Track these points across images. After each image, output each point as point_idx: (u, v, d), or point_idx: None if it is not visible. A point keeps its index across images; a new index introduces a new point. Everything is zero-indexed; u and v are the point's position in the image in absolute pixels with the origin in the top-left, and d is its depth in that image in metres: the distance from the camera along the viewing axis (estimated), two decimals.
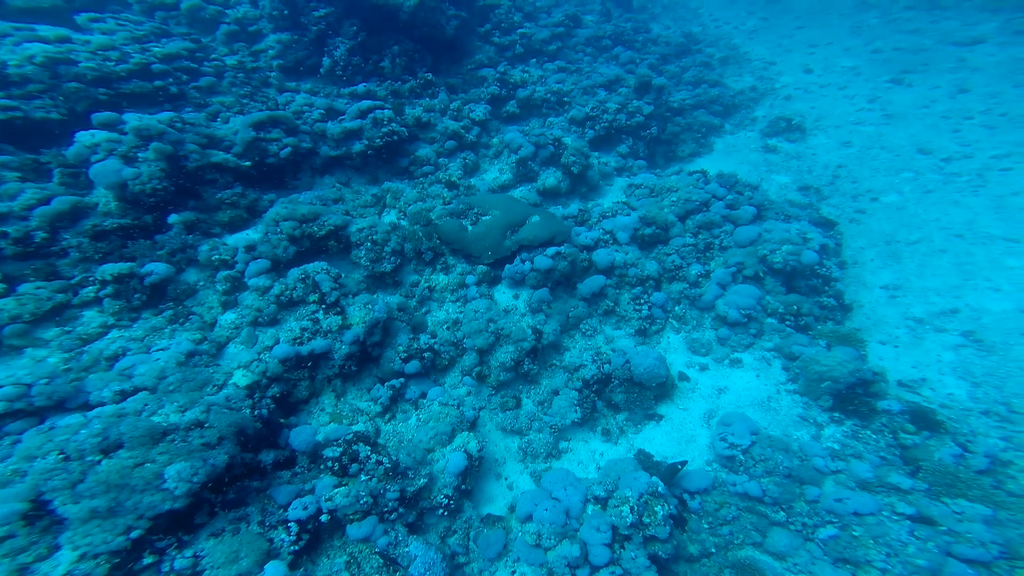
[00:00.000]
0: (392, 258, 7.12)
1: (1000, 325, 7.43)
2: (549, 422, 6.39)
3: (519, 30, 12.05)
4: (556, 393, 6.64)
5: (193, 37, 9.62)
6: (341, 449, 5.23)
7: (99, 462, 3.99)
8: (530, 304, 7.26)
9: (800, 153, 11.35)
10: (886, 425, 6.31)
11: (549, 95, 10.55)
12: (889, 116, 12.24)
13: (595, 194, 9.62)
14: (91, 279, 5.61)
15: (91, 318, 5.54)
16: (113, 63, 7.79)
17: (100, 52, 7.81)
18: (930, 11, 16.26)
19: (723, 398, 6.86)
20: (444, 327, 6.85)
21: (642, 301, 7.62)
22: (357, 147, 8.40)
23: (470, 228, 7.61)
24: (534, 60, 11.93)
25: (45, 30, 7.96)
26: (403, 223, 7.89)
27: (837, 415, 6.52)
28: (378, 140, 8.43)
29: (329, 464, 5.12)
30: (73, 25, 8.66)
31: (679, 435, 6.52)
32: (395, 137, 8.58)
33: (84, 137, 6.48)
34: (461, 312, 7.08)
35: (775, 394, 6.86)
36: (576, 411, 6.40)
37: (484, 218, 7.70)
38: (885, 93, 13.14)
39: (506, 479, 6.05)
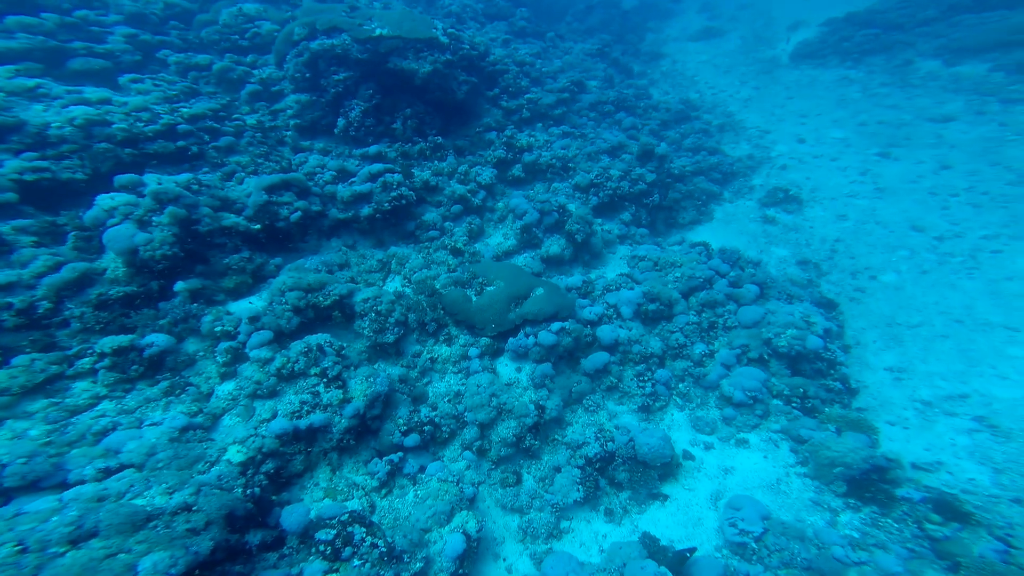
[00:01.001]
0: (396, 329, 6.91)
1: (1013, 412, 7.21)
2: (551, 500, 6.06)
3: (526, 95, 12.32)
4: (558, 470, 6.34)
5: (219, 98, 9.75)
6: (335, 531, 4.86)
7: (63, 554, 3.60)
8: (533, 378, 7.03)
9: (798, 225, 11.38)
10: (908, 514, 5.95)
11: (554, 160, 10.65)
12: (880, 190, 12.36)
13: (598, 262, 9.54)
14: (89, 351, 5.35)
15: (82, 389, 5.26)
16: (143, 124, 7.85)
17: (133, 113, 7.91)
18: (903, 88, 16.60)
19: (730, 479, 6.53)
20: (445, 400, 6.61)
21: (646, 378, 7.41)
22: (365, 211, 8.35)
23: (474, 299, 7.45)
24: (540, 124, 12.14)
25: (91, 92, 8.10)
26: (407, 291, 7.73)
27: (853, 501, 6.17)
28: (386, 204, 8.39)
29: (321, 548, 4.74)
30: (118, 86, 8.84)
31: (685, 517, 6.16)
32: (403, 201, 8.55)
33: (104, 201, 6.40)
34: (463, 384, 6.85)
35: (784, 476, 6.54)
36: (579, 490, 6.09)
37: (488, 288, 7.55)
38: (875, 166, 13.33)
39: (504, 560, 5.66)
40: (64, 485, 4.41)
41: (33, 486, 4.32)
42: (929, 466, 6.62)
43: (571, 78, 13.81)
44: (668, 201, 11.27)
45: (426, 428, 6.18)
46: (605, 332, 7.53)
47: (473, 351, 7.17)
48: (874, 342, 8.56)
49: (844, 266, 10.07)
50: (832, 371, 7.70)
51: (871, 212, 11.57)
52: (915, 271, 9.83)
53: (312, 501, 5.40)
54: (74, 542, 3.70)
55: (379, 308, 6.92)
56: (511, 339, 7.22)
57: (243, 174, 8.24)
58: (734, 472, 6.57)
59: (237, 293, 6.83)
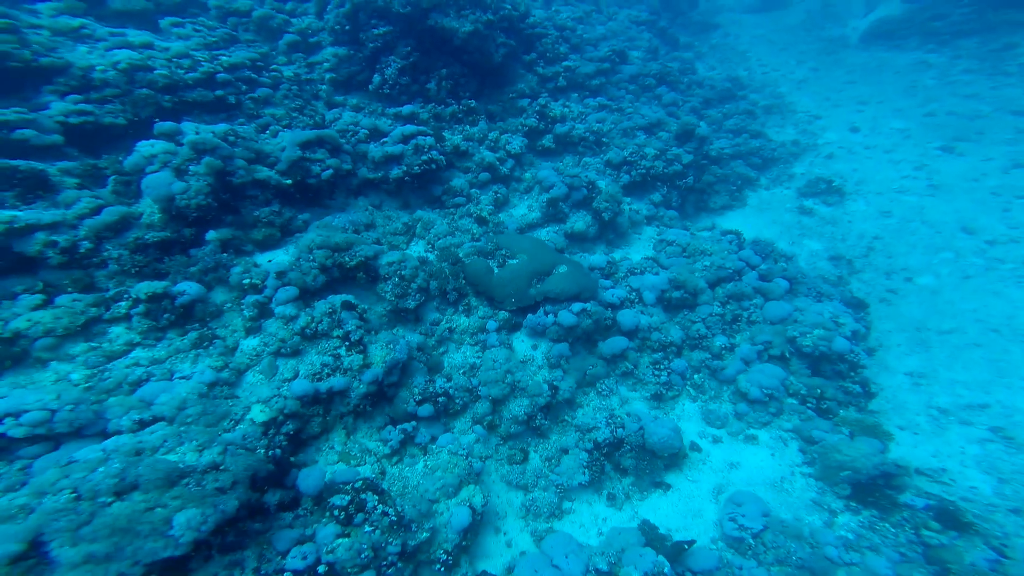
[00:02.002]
0: (417, 295, 6.83)
1: None
2: (555, 481, 6.04)
3: (564, 62, 11.55)
4: (565, 452, 6.28)
5: (257, 47, 9.48)
6: (349, 497, 4.97)
7: (110, 503, 3.80)
8: (548, 357, 6.90)
9: (836, 218, 10.63)
10: (907, 520, 5.79)
11: (588, 134, 10.08)
12: (935, 187, 11.36)
13: (622, 241, 9.15)
14: (125, 295, 5.45)
15: (118, 335, 5.37)
16: (184, 71, 7.68)
17: (174, 60, 7.74)
18: (992, 76, 14.95)
19: (734, 473, 6.40)
20: (460, 372, 6.56)
21: (662, 367, 7.19)
22: (395, 172, 8.12)
23: (496, 270, 7.26)
24: (575, 94, 11.43)
25: (134, 35, 7.96)
26: (431, 256, 7.59)
27: (854, 504, 6.01)
28: (416, 168, 8.14)
29: (335, 512, 4.87)
30: (159, 29, 8.64)
31: (686, 508, 6.10)
32: (433, 165, 8.28)
33: (144, 147, 6.36)
34: (478, 357, 6.77)
35: (789, 475, 6.38)
36: (584, 473, 6.04)
37: (511, 261, 7.34)
38: (934, 161, 12.20)
39: (505, 534, 5.72)
40: (104, 434, 4.56)
41: (78, 433, 4.48)
42: (932, 472, 6.41)
43: (613, 47, 12.86)
44: (701, 184, 10.64)
45: (440, 399, 6.17)
46: (626, 317, 7.27)
47: (491, 324, 7.04)
48: (898, 345, 8.10)
49: (879, 265, 9.42)
50: (853, 373, 7.33)
51: (919, 210, 10.70)
52: (957, 275, 9.13)
53: (327, 464, 5.50)
54: (119, 493, 3.86)
55: (403, 273, 6.82)
56: (530, 315, 7.05)
57: (278, 127, 8.09)
58: (739, 467, 6.42)
59: (265, 245, 6.82)
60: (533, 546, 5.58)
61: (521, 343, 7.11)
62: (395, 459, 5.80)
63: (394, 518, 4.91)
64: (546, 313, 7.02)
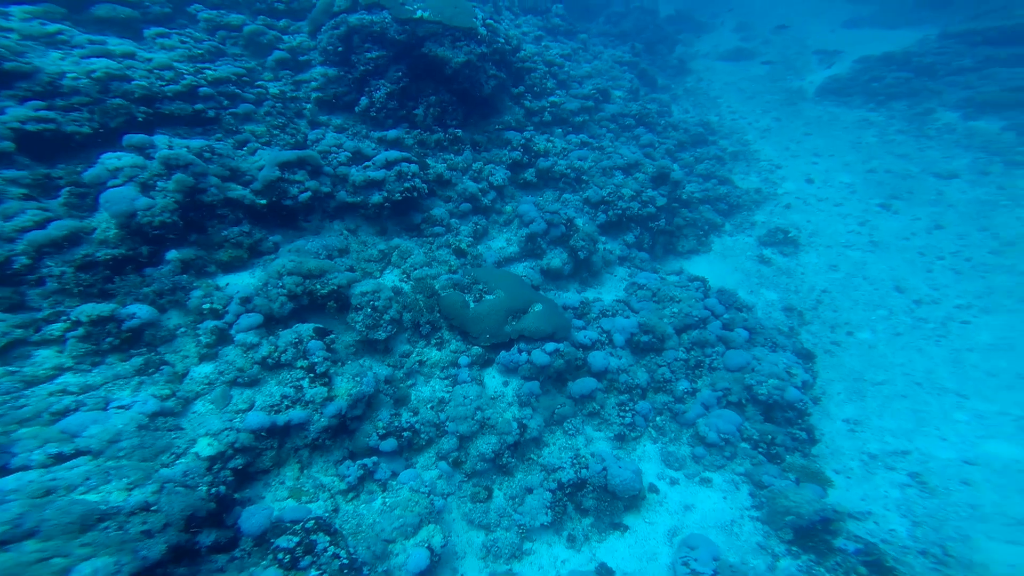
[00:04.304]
0: (389, 327, 6.47)
1: (943, 471, 7.19)
2: (518, 521, 5.77)
3: (550, 97, 11.46)
4: (530, 491, 6.02)
5: (244, 61, 8.91)
6: (298, 539, 4.56)
7: None
8: (519, 395, 6.67)
9: (791, 269, 10.93)
10: (840, 565, 5.83)
11: (569, 170, 9.98)
12: (875, 243, 11.89)
13: (595, 281, 9.06)
14: (63, 317, 4.83)
15: (45, 358, 4.71)
16: (164, 83, 7.08)
17: (156, 71, 7.12)
18: (917, 138, 15.74)
19: (688, 516, 6.31)
20: (428, 406, 6.23)
21: (627, 408, 7.08)
22: (376, 198, 7.73)
23: (472, 305, 7.00)
24: (559, 129, 11.34)
25: (116, 43, 7.31)
26: (406, 287, 7.24)
27: (795, 548, 6.01)
28: (398, 194, 7.80)
29: (279, 556, 4.43)
30: (142, 38, 8.01)
31: (642, 550, 5.94)
32: (415, 193, 7.94)
33: (109, 160, 5.78)
34: (448, 392, 6.46)
35: (739, 519, 6.34)
36: (547, 514, 5.80)
37: (488, 297, 7.10)
38: (874, 217, 12.79)
39: None
40: (4, 470, 3.86)
41: None
42: (860, 515, 6.57)
43: (597, 85, 12.90)
44: (671, 226, 10.73)
45: (404, 434, 5.81)
46: (597, 358, 7.14)
47: (464, 359, 6.75)
48: (838, 394, 8.34)
49: (826, 318, 9.70)
50: (800, 420, 7.45)
51: (861, 266, 11.14)
52: (889, 332, 9.53)
53: (275, 500, 5.02)
54: (4, 543, 3.26)
55: (376, 303, 6.45)
56: (504, 352, 6.82)
57: (256, 144, 7.57)
58: (694, 510, 6.34)
59: (230, 267, 6.29)
60: None
61: (492, 379, 6.86)
62: (351, 495, 5.38)
63: (345, 560, 4.52)
64: (520, 351, 6.81)
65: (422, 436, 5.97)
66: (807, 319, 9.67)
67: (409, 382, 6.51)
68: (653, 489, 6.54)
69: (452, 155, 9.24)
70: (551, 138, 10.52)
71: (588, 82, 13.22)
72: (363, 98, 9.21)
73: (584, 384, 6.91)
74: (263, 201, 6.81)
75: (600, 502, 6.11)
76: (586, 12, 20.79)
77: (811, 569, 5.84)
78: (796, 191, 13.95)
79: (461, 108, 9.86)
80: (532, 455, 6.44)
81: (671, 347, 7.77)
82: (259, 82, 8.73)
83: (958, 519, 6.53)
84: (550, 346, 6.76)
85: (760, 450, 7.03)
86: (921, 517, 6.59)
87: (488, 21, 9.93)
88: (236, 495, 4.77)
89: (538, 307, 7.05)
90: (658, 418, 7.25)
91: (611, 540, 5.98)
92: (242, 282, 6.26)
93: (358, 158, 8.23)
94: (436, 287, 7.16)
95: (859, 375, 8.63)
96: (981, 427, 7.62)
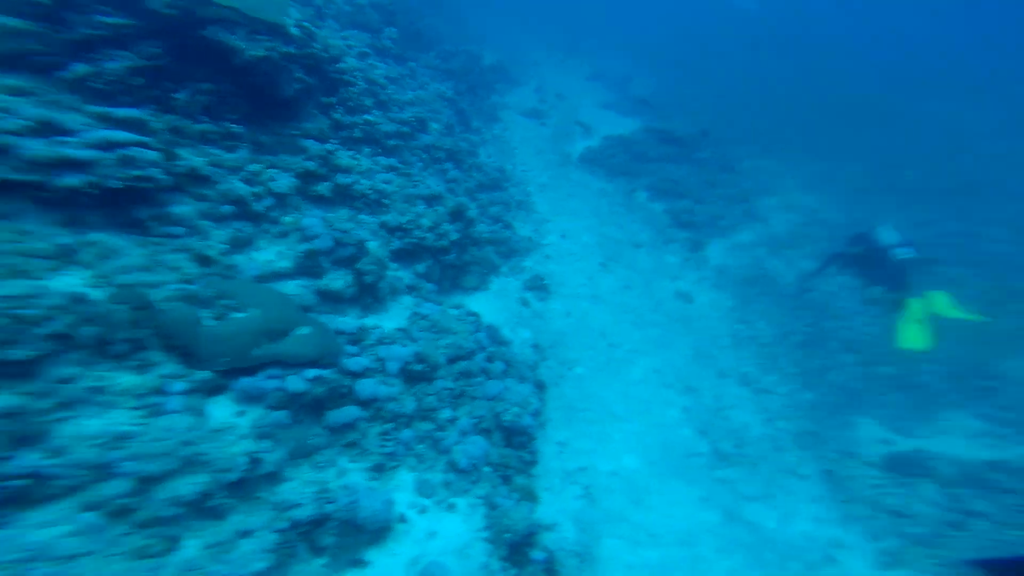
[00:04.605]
0: (43, 344, 4.77)
1: (600, 482, 9.61)
2: (217, 572, 4.91)
3: (366, 115, 10.93)
4: (246, 534, 5.29)
5: None
6: None
7: None
8: (259, 426, 5.90)
9: (542, 312, 13.55)
10: (532, 573, 7.48)
11: (371, 191, 9.67)
12: (595, 296, 15.62)
13: (380, 307, 8.97)
14: None
15: None
16: None
17: None
18: (628, 211, 19.91)
19: (432, 543, 6.82)
20: (89, 443, 4.78)
21: (390, 437, 7.29)
22: (68, 180, 5.57)
23: (212, 324, 5.92)
24: (368, 149, 10.91)
25: None
26: (96, 294, 5.46)
27: (507, 564, 7.21)
28: (116, 181, 5.86)
29: None
30: None
31: None
32: (150, 184, 6.16)
33: None
34: (141, 425, 5.15)
35: (471, 542, 7.14)
36: (264, 558, 5.18)
37: (237, 315, 6.13)
38: (597, 274, 16.62)
39: None
40: None
41: None
42: (552, 527, 8.27)
43: (417, 114, 13.00)
44: (460, 262, 11.75)
45: (11, 483, 4.27)
46: (366, 386, 7.08)
47: (178, 385, 5.52)
48: (557, 420, 10.72)
49: (558, 355, 12.47)
50: (529, 444, 9.29)
51: (586, 314, 14.62)
52: (593, 368, 12.81)
53: None
54: None
55: (23, 311, 4.67)
56: (245, 379, 5.96)
57: None
58: (437, 536, 6.92)
59: None
60: None
61: (221, 409, 5.85)
62: None
63: None
64: (271, 377, 6.11)
65: (59, 482, 4.52)
66: (546, 355, 12.17)
67: (58, 415, 4.84)
68: (403, 519, 6.83)
69: (222, 151, 7.62)
70: (357, 156, 9.98)
71: (409, 109, 13.16)
72: (78, 64, 6.63)
73: (346, 413, 6.72)
74: None
75: (342, 538, 5.99)
76: (418, 41, 20.51)
77: None
78: (555, 244, 16.91)
79: (246, 104, 8.23)
80: (262, 493, 5.76)
81: (441, 376, 8.49)
82: None
83: (600, 523, 8.77)
84: (311, 372, 6.32)
85: (499, 473, 8.41)
86: (584, 524, 8.56)
87: (304, 24, 8.81)
88: None
89: (305, 330, 6.54)
90: (419, 446, 7.74)
91: None
92: None
93: (52, 131, 5.77)
94: (155, 298, 5.70)
95: (572, 404, 11.34)
96: (624, 444, 10.90)
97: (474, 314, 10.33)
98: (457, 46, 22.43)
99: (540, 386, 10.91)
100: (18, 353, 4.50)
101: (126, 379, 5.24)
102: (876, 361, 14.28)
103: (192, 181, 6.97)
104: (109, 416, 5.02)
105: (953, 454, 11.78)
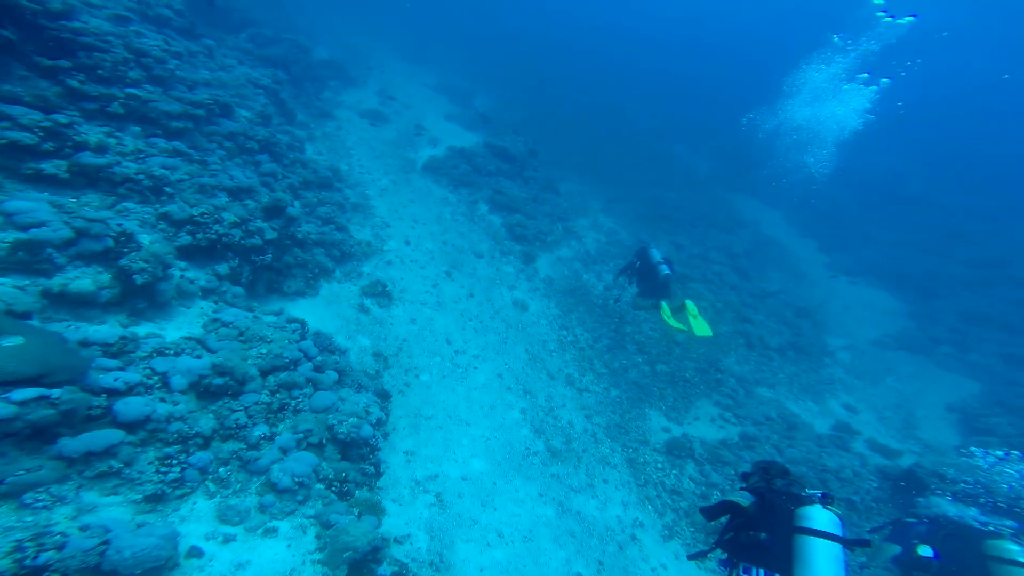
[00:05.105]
0: None
1: (452, 487, 9.56)
2: None
3: (129, 88, 8.82)
4: None
5: None
6: None
7: None
8: None
9: (383, 319, 12.88)
10: None
11: (143, 176, 7.79)
12: (439, 303, 15.55)
13: (159, 314, 7.30)
14: None
15: None
16: None
17: None
18: (469, 221, 20.48)
19: (241, 575, 5.73)
20: None
21: (175, 462, 5.86)
22: None
23: None
24: (138, 128, 8.82)
25: None
26: None
27: None
28: None
29: None
30: None
31: None
32: None
33: None
34: None
35: (300, 566, 6.32)
36: None
37: None
38: (442, 282, 16.62)
39: None
40: None
41: None
42: (401, 539, 7.97)
43: (217, 97, 11.14)
44: (280, 264, 10.34)
45: None
46: (132, 406, 5.58)
47: None
48: (403, 429, 10.27)
49: (403, 363, 11.99)
50: (371, 456, 8.57)
51: (430, 321, 14.41)
52: (439, 375, 12.62)
53: None
54: None
55: None
56: None
57: None
58: (249, 566, 5.84)
59: None
60: None
61: None
62: None
63: None
64: None
65: None
66: (390, 363, 11.56)
67: None
68: (195, 552, 5.58)
69: None
70: (117, 133, 7.90)
71: (204, 90, 11.22)
72: None
73: (97, 438, 5.23)
74: None
75: None
76: (224, 24, 17.85)
77: None
78: (397, 250, 16.39)
79: None
80: None
81: (252, 390, 7.24)
82: None
83: (453, 528, 8.69)
84: (32, 391, 4.73)
85: (333, 489, 7.51)
86: (436, 531, 8.39)
87: None
88: None
89: (16, 340, 4.84)
90: (222, 469, 6.44)
91: None
92: None
93: None
94: None
95: (418, 411, 10.95)
96: (471, 448, 10.92)
97: (298, 321, 9.16)
98: (279, 33, 20.25)
99: (383, 395, 10.27)
100: None
101: None
102: (657, 360, 17.29)
103: None
104: None
105: (702, 436, 14.78)
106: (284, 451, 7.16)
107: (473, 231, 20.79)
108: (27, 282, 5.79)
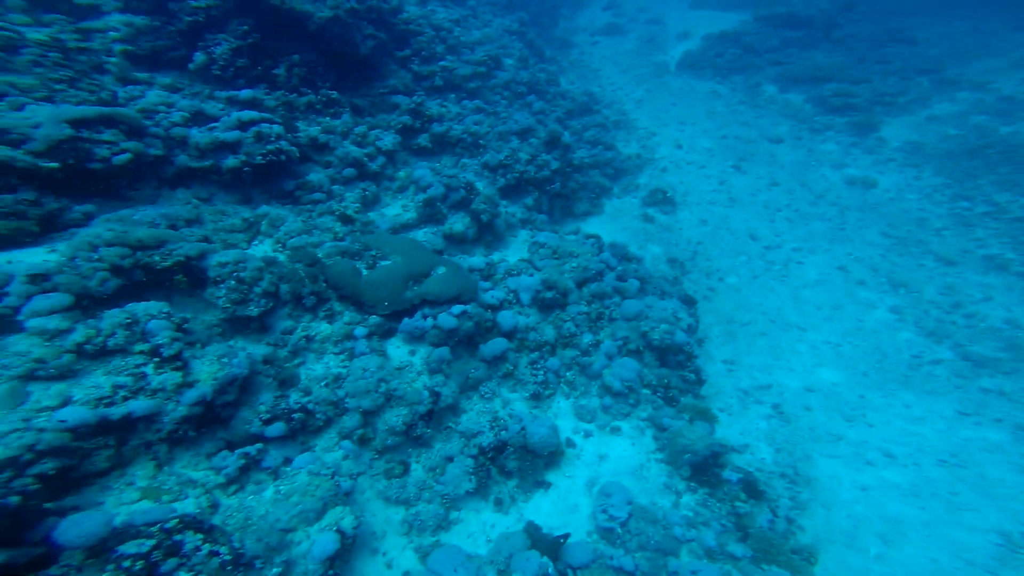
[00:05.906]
0: (262, 301, 5.49)
1: (793, 399, 8.48)
2: (441, 491, 5.53)
3: (441, 62, 10.82)
4: (450, 460, 5.80)
5: None
6: (154, 541, 3.55)
7: None
8: (428, 363, 6.28)
9: (670, 225, 12.05)
10: (727, 494, 6.61)
11: (466, 135, 9.59)
12: (732, 199, 13.49)
13: (500, 244, 8.95)
14: None
15: None
16: None
17: None
18: (753, 108, 17.99)
19: (603, 465, 6.62)
20: (322, 384, 5.56)
21: (539, 366, 7.13)
22: (231, 162, 6.46)
23: (365, 272, 6.31)
24: (452, 95, 10.80)
25: None
26: (281, 257, 6.22)
27: (693, 484, 6.66)
28: (259, 158, 6.62)
29: (126, 564, 3.38)
30: None
31: (564, 504, 6.09)
32: (282, 156, 6.80)
33: None
34: (345, 367, 5.83)
35: (646, 463, 6.81)
36: (471, 480, 5.64)
37: (383, 263, 6.44)
38: (730, 177, 14.46)
39: (384, 554, 5.01)
40: None
41: None
42: (740, 448, 7.55)
43: (489, 52, 12.53)
44: (567, 190, 10.99)
45: (295, 415, 5.12)
46: (505, 318, 7.03)
47: (360, 330, 6.13)
48: (717, 337, 9.45)
49: (702, 267, 10.95)
50: (689, 363, 8.24)
51: (724, 219, 12.63)
52: (749, 276, 10.98)
53: (119, 504, 4.05)
54: None
55: (242, 275, 5.41)
56: (406, 319, 6.33)
57: (26, 99, 5.61)
58: (607, 459, 6.67)
59: (11, 241, 4.71)
60: (418, 563, 5.00)
61: (397, 349, 6.33)
62: (233, 488, 4.58)
63: (227, 557, 3.77)
64: (424, 316, 6.38)
65: (318, 416, 5.33)
66: (687, 268, 10.79)
67: (296, 361, 5.73)
68: (570, 443, 6.73)
69: (328, 119, 8.18)
70: (444, 103, 9.94)
71: (479, 49, 12.76)
72: (198, 54, 7.56)
73: (495, 345, 6.79)
74: (54, 164, 5.11)
75: (522, 462, 6.12)
76: None
77: (707, 501, 6.51)
78: (669, 155, 15.17)
79: (334, 70, 8.73)
80: (450, 423, 6.17)
81: (573, 301, 7.98)
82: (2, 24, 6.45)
83: (804, 441, 7.76)
84: (457, 308, 6.44)
85: (659, 394, 7.64)
86: (780, 444, 7.70)
87: None
88: (49, 505, 3.66)
89: (441, 270, 6.65)
90: (568, 373, 7.44)
91: (536, 498, 6.05)
92: (35, 259, 4.68)
93: (200, 119, 6.73)
94: (319, 255, 6.28)
95: (731, 317, 9.87)
96: (814, 356, 9.21)
97: (593, 236, 9.52)
98: None
99: (688, 301, 9.65)
100: (252, 309, 5.43)
101: (324, 328, 6.03)
102: None
103: (315, 150, 7.73)
104: (325, 361, 5.84)
105: None
106: (609, 357, 7.66)
107: (761, 117, 17.16)
108: (434, 229, 8.12)
